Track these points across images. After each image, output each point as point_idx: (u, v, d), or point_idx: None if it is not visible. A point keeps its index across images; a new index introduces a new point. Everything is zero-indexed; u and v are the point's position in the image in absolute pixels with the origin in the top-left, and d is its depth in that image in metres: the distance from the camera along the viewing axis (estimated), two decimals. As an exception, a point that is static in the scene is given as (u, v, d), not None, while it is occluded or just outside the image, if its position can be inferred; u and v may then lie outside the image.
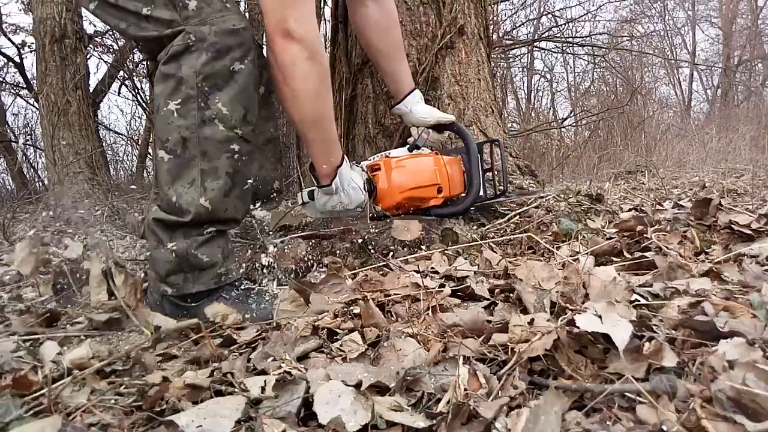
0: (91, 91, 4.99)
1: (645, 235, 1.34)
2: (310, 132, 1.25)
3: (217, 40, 1.04)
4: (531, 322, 0.83)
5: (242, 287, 1.14)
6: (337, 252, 1.43)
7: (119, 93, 6.58)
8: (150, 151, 6.06)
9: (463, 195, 1.60)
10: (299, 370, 0.81)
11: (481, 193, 1.64)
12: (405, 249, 1.54)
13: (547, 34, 7.76)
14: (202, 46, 1.04)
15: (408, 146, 1.59)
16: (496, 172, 1.66)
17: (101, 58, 6.54)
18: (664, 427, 0.59)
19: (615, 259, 1.31)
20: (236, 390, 0.75)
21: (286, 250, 1.37)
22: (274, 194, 1.42)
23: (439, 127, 1.64)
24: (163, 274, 1.08)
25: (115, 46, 6.09)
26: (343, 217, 1.49)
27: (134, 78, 5.99)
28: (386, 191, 1.46)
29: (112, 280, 1.16)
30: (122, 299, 1.10)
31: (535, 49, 8.74)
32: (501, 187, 1.63)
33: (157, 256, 1.08)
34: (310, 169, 1.39)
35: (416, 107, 1.62)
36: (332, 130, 1.27)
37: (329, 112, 1.24)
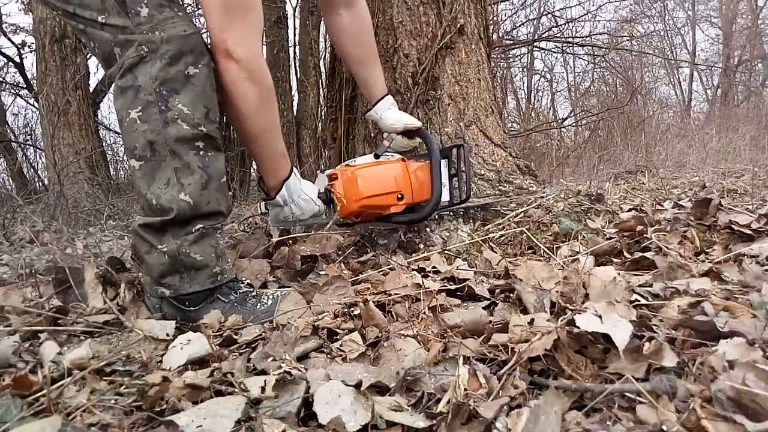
0: (91, 91, 4.99)
1: (645, 235, 1.34)
2: (255, 147, 1.28)
3: (169, 47, 1.07)
4: (531, 322, 0.83)
5: (240, 290, 1.14)
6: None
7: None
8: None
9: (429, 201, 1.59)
10: (299, 370, 0.81)
11: (447, 198, 1.63)
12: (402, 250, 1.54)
13: (547, 34, 7.77)
14: (155, 55, 1.06)
15: (374, 154, 1.59)
16: (464, 177, 1.65)
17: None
18: (664, 427, 0.59)
19: (615, 259, 1.31)
20: (236, 390, 0.75)
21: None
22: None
23: (407, 133, 1.64)
24: (158, 277, 1.09)
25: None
26: (305, 225, 1.49)
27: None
28: (342, 200, 1.48)
29: (108, 286, 1.17)
30: (116, 305, 1.11)
31: (535, 49, 8.74)
32: (465, 192, 1.62)
33: (150, 260, 1.09)
34: (258, 182, 1.42)
35: (386, 113, 1.62)
36: (276, 146, 1.31)
37: (272, 128, 1.27)
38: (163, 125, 1.07)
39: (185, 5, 1.19)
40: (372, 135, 2.03)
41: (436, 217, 1.71)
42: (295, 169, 1.38)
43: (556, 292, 0.99)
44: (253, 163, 5.99)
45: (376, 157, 1.56)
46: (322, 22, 4.98)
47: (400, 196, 1.51)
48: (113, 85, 1.11)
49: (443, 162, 1.62)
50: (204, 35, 1.16)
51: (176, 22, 1.08)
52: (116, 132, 7.36)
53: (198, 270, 1.09)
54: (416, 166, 1.56)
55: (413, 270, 1.28)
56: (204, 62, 1.11)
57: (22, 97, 7.65)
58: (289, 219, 1.43)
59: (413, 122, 1.60)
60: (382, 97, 1.63)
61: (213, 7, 1.12)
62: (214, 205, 1.12)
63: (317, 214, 1.44)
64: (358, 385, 0.72)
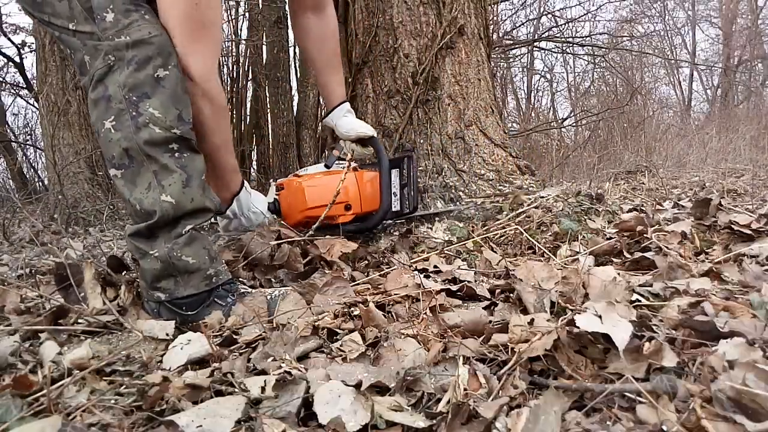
0: (91, 91, 4.98)
1: (645, 235, 1.34)
2: (210, 160, 1.29)
3: (135, 52, 1.06)
4: (531, 322, 0.83)
5: (238, 292, 1.14)
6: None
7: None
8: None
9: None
10: (299, 370, 0.81)
11: (397, 208, 1.63)
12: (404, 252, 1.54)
13: (547, 34, 7.77)
14: (122, 62, 1.07)
15: (324, 164, 1.58)
16: (412, 186, 1.64)
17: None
18: (664, 427, 0.59)
19: (615, 259, 1.31)
20: (236, 390, 0.75)
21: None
22: None
23: (361, 141, 1.63)
24: (153, 281, 1.09)
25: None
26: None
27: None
28: (288, 210, 1.50)
29: (108, 287, 1.17)
30: (116, 306, 1.11)
31: (535, 49, 8.75)
32: (412, 203, 1.62)
33: (144, 266, 1.09)
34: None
35: (341, 121, 1.61)
36: (229, 161, 1.34)
37: (223, 145, 1.29)
38: (135, 131, 1.06)
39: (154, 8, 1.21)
40: (372, 135, 2.03)
41: (387, 224, 1.71)
42: (246, 183, 1.42)
43: (556, 292, 0.99)
44: (254, 163, 6.01)
45: (327, 167, 1.57)
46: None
47: (347, 206, 1.53)
48: (87, 98, 1.11)
49: (394, 172, 1.62)
50: None
51: (141, 26, 1.08)
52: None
53: (191, 273, 1.09)
54: (369, 176, 1.57)
55: (414, 270, 1.28)
56: (173, 63, 1.11)
57: (22, 97, 7.66)
58: (239, 229, 1.46)
59: (366, 130, 1.60)
60: (339, 104, 1.63)
61: (171, 23, 1.13)
62: (198, 202, 1.11)
63: (263, 224, 1.46)
64: (358, 385, 0.72)
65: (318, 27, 1.59)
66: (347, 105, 1.64)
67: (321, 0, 1.57)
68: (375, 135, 1.61)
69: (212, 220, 1.56)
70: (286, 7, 6.09)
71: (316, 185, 1.50)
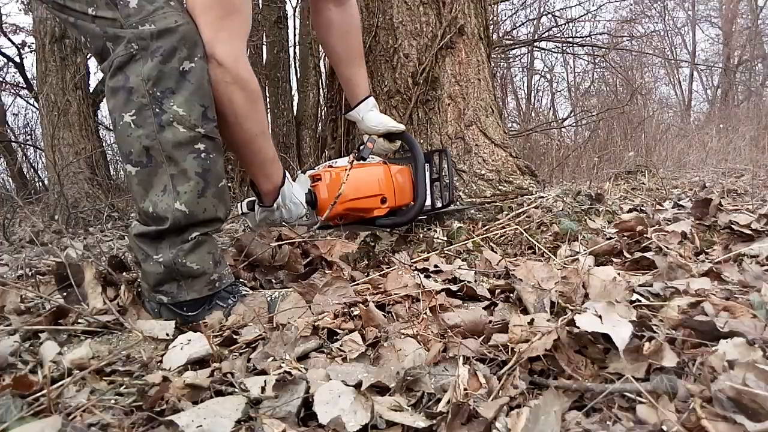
0: (91, 91, 4.99)
1: (645, 235, 1.34)
2: (246, 153, 1.25)
3: (160, 43, 1.02)
4: (531, 322, 0.83)
5: (239, 294, 1.13)
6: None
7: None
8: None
9: (412, 205, 1.58)
10: (299, 370, 0.81)
11: (429, 203, 1.62)
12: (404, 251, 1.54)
13: (547, 34, 7.77)
14: (146, 53, 1.02)
15: (358, 156, 1.57)
16: (445, 183, 1.64)
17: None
18: (664, 427, 0.59)
19: (615, 259, 1.31)
20: (236, 390, 0.75)
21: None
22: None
23: (389, 136, 1.62)
24: (155, 285, 1.08)
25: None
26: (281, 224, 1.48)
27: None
28: (326, 202, 1.45)
29: (109, 286, 1.17)
30: (117, 306, 1.10)
31: (535, 49, 8.75)
32: (447, 197, 1.62)
33: (147, 269, 1.07)
34: (250, 185, 1.39)
35: (368, 115, 1.60)
36: (267, 151, 1.28)
37: (260, 133, 1.23)
38: (159, 129, 1.03)
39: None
40: (372, 135, 2.02)
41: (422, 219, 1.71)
42: (286, 172, 1.37)
43: (556, 292, 0.99)
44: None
45: (362, 159, 1.55)
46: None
47: (383, 199, 1.51)
48: (105, 85, 1.08)
49: (426, 166, 1.61)
50: None
51: (167, 13, 1.03)
52: (116, 132, 7.36)
53: (195, 278, 1.07)
54: (397, 169, 1.56)
55: (415, 270, 1.28)
56: (199, 55, 1.06)
57: (22, 97, 7.65)
58: (276, 222, 1.41)
59: (397, 125, 1.59)
60: (365, 99, 1.61)
61: (198, 8, 1.09)
62: (211, 213, 1.09)
63: (301, 216, 1.43)
64: (358, 385, 0.72)
65: (341, 20, 1.55)
66: (373, 100, 1.62)
67: None
68: (405, 129, 1.60)
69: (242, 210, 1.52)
70: (287, 7, 6.07)
71: (353, 176, 1.47)
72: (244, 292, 1.14)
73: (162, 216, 1.04)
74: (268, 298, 1.12)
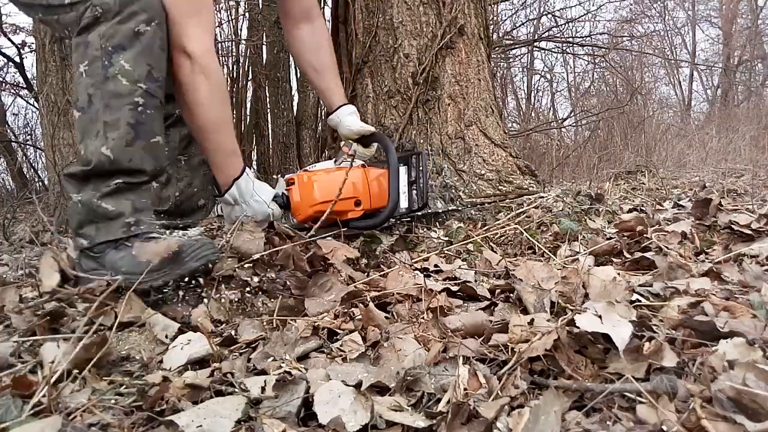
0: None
1: (645, 235, 1.34)
2: (205, 141, 1.32)
3: (121, 7, 1.12)
4: (531, 322, 0.83)
5: (150, 236, 1.14)
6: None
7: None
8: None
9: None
10: (299, 370, 0.81)
11: (405, 205, 1.62)
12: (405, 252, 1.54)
13: (547, 34, 7.76)
14: (109, 15, 1.12)
15: (334, 160, 1.59)
16: (422, 185, 1.63)
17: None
18: (664, 427, 0.59)
19: (615, 259, 1.31)
20: (236, 390, 0.75)
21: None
22: (198, 209, 1.56)
23: (364, 140, 1.66)
24: (76, 227, 1.13)
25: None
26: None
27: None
28: (299, 204, 1.48)
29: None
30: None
31: (535, 49, 8.75)
32: (422, 200, 1.61)
33: (70, 210, 1.15)
34: (212, 179, 1.44)
35: (344, 120, 1.64)
36: (228, 142, 1.34)
37: (222, 123, 1.31)
38: (103, 80, 1.12)
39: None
40: (372, 135, 2.03)
41: (397, 222, 1.71)
42: (248, 170, 1.40)
43: (556, 292, 0.99)
44: (254, 163, 6.00)
45: (336, 164, 1.57)
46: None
47: (357, 202, 1.52)
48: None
49: (402, 169, 1.62)
50: None
51: None
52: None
53: (111, 220, 1.12)
54: (377, 173, 1.57)
55: (415, 270, 1.28)
56: (157, 21, 1.15)
57: (22, 97, 7.64)
58: (242, 219, 1.42)
59: (367, 128, 1.63)
60: (342, 105, 1.66)
61: (170, 4, 1.18)
62: (136, 163, 1.15)
63: (268, 217, 1.45)
64: (358, 385, 0.72)
65: (311, 36, 1.65)
66: (352, 107, 1.67)
67: (311, 10, 1.64)
68: (376, 131, 1.62)
69: (217, 213, 1.55)
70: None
71: (326, 180, 1.49)
72: (155, 235, 1.14)
73: (89, 159, 1.12)
74: (178, 239, 1.12)
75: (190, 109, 1.26)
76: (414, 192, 1.63)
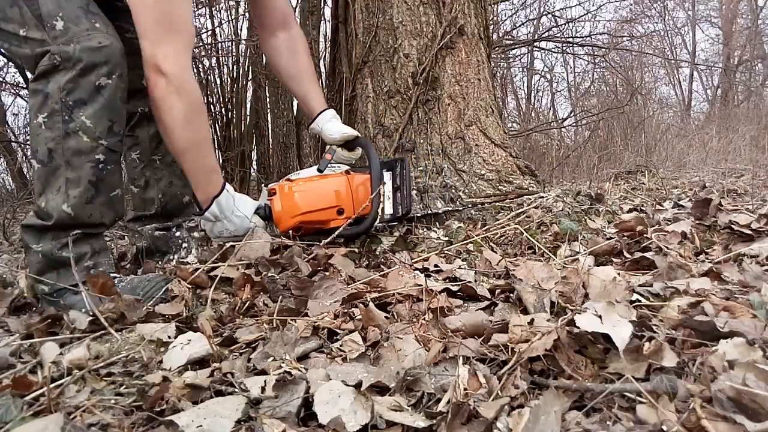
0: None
1: (645, 235, 1.34)
2: (183, 161, 1.31)
3: (82, 57, 1.11)
4: (531, 322, 0.83)
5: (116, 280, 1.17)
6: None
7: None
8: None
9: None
10: (299, 370, 0.81)
11: (390, 211, 1.61)
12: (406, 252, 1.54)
13: (547, 34, 7.76)
14: (69, 64, 1.11)
15: (317, 168, 1.58)
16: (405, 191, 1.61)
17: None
18: (664, 427, 0.59)
19: (615, 259, 1.31)
20: (236, 390, 0.75)
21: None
22: (184, 206, 1.57)
23: (348, 145, 1.64)
24: (36, 274, 1.15)
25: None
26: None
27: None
28: (280, 215, 1.47)
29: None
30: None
31: (535, 49, 8.74)
32: (405, 207, 1.59)
33: (29, 260, 1.16)
34: (192, 196, 1.44)
35: (326, 125, 1.63)
36: (206, 161, 1.33)
37: (201, 142, 1.30)
38: (64, 135, 1.12)
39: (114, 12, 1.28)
40: (372, 135, 2.03)
41: (384, 228, 1.70)
42: (228, 186, 1.39)
43: (556, 292, 0.99)
44: (254, 163, 6.00)
45: (319, 171, 1.56)
46: (322, 22, 4.98)
47: (340, 210, 1.51)
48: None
49: (387, 174, 1.61)
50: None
51: (92, 34, 1.12)
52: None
53: (70, 266, 1.13)
54: (361, 179, 1.55)
55: (415, 270, 1.28)
56: (118, 73, 1.15)
57: (22, 97, 7.63)
58: (224, 234, 1.43)
59: (351, 132, 1.61)
60: (323, 111, 1.65)
61: (144, 24, 1.18)
62: (96, 218, 1.18)
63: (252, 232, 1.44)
64: (358, 385, 0.72)
65: (288, 44, 1.64)
66: (332, 111, 1.66)
67: (286, 18, 1.64)
68: (359, 136, 1.62)
69: (199, 227, 1.55)
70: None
71: (307, 189, 1.48)
72: (113, 276, 1.17)
73: (49, 213, 1.13)
74: (131, 284, 1.16)
75: (166, 128, 1.25)
76: (398, 198, 1.62)
